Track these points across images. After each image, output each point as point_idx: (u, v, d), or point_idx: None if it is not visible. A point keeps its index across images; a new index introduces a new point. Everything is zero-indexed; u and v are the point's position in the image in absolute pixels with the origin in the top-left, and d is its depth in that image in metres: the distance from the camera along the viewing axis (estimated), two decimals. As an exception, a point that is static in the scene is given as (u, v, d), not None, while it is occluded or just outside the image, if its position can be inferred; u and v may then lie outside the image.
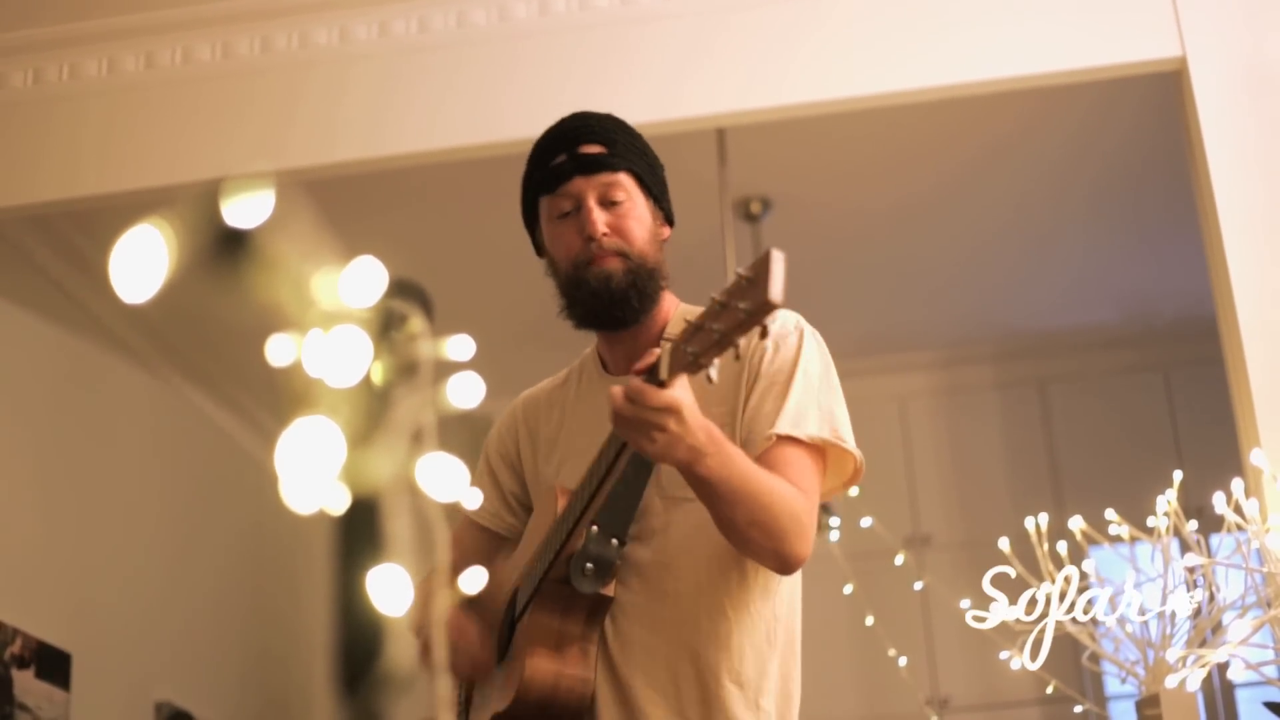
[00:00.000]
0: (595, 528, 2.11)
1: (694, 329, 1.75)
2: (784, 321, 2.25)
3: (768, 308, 1.66)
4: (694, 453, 1.92)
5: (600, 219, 2.26)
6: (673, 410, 1.85)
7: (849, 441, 2.19)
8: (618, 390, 1.87)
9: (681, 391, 1.85)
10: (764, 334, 1.70)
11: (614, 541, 2.13)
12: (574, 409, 2.40)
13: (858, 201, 5.43)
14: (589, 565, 2.12)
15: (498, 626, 2.34)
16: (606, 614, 2.18)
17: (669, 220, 2.38)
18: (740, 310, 1.68)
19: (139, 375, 5.80)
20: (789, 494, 2.07)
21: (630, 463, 2.03)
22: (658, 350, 1.84)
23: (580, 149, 2.31)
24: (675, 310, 2.35)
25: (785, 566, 2.12)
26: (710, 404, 2.11)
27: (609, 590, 2.15)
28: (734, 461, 1.98)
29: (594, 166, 2.29)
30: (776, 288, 1.65)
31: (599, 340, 2.40)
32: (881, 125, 4.88)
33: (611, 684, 2.18)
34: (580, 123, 2.35)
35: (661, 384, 1.82)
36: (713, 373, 1.76)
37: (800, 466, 2.14)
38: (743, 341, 1.72)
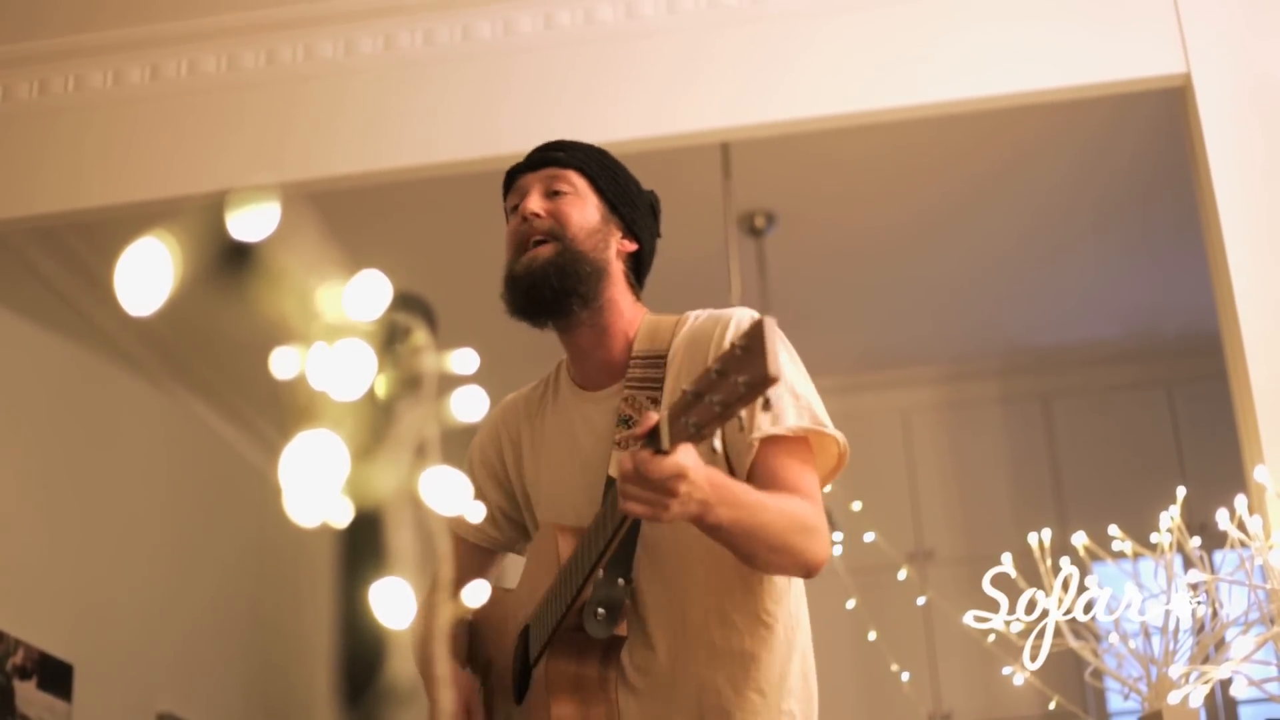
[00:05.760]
0: (601, 571, 2.10)
1: (692, 398, 1.73)
2: (739, 320, 2.24)
3: (767, 382, 1.65)
4: (703, 505, 1.91)
5: (537, 202, 2.32)
6: (680, 476, 1.83)
7: (829, 425, 2.18)
8: (625, 465, 1.84)
9: (685, 455, 1.83)
10: (766, 405, 1.68)
11: (620, 581, 2.13)
12: (550, 422, 2.40)
13: (863, 217, 5.43)
14: (600, 610, 2.12)
15: (508, 663, 2.34)
16: (621, 651, 2.19)
17: (635, 236, 2.38)
18: (739, 384, 1.67)
19: (143, 387, 5.80)
20: (797, 509, 2.07)
21: None
22: (655, 415, 1.82)
23: (538, 154, 2.41)
24: (641, 320, 2.35)
25: (809, 573, 2.13)
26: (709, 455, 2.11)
27: (621, 630, 2.15)
28: (740, 502, 1.97)
29: (541, 163, 2.37)
30: (774, 362, 1.64)
31: (565, 350, 2.40)
32: (886, 142, 4.88)
33: (638, 715, 2.19)
34: (550, 141, 2.44)
35: (664, 452, 1.80)
36: (716, 443, 1.75)
37: (794, 468, 2.14)
38: (744, 412, 1.70)
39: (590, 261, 2.29)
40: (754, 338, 1.66)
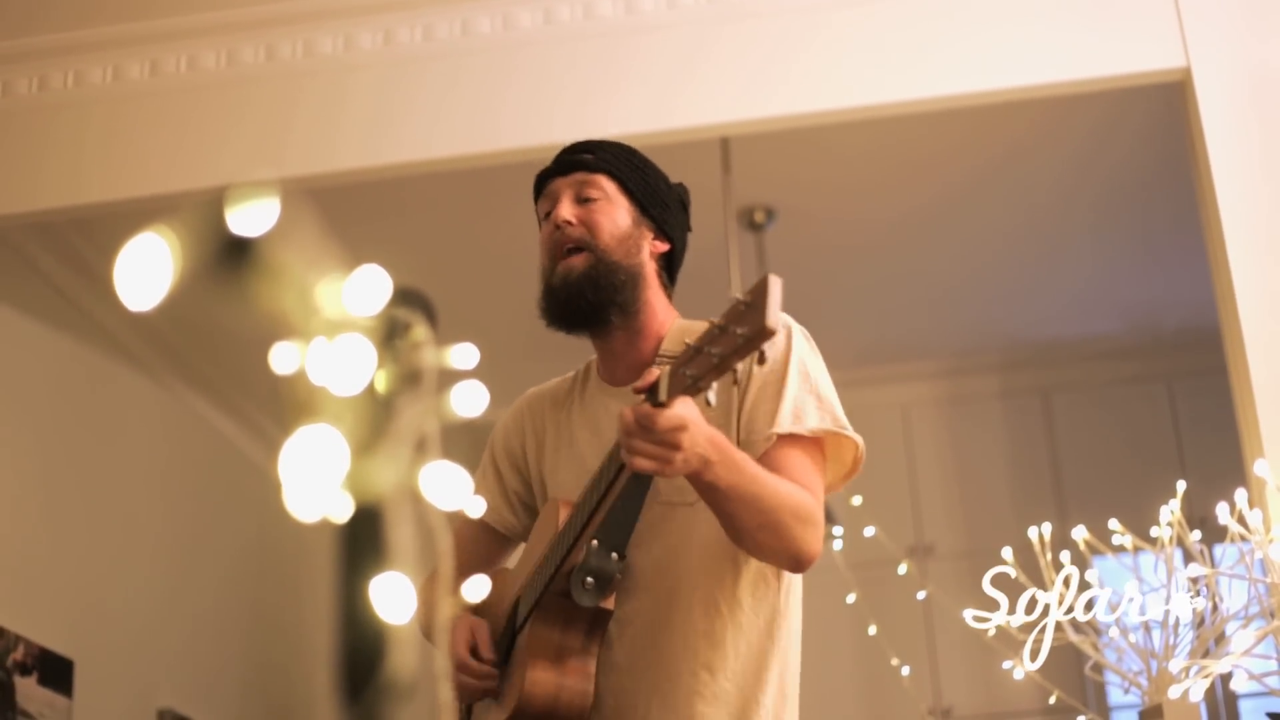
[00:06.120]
0: (595, 542, 2.12)
1: (693, 352, 1.76)
2: None
3: (765, 334, 1.67)
4: (703, 461, 1.94)
5: (569, 210, 2.33)
6: (681, 428, 1.86)
7: (849, 428, 2.21)
8: (627, 417, 1.87)
9: (685, 407, 1.86)
10: (761, 359, 1.71)
11: (614, 555, 2.14)
12: (578, 416, 2.42)
13: (862, 212, 5.43)
14: (589, 579, 2.12)
15: (500, 635, 2.35)
16: (607, 626, 2.20)
17: (667, 236, 2.40)
18: (738, 335, 1.70)
19: (143, 382, 5.80)
20: (795, 494, 2.10)
21: (630, 477, 2.03)
22: (656, 371, 1.85)
23: (567, 157, 2.42)
24: (673, 324, 2.37)
25: (798, 565, 2.16)
26: (703, 410, 2.13)
27: (609, 603, 2.16)
28: (740, 467, 2.01)
29: (571, 167, 2.38)
30: (774, 314, 1.66)
31: (596, 351, 2.43)
32: (887, 136, 4.88)
33: (614, 691, 2.19)
34: (579, 141, 2.45)
35: (662, 405, 1.84)
36: (711, 396, 1.77)
37: (803, 465, 2.17)
38: (741, 365, 1.73)
39: (624, 270, 2.31)
40: (757, 293, 1.69)
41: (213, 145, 4.41)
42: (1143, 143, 4.99)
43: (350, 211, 4.95)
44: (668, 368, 1.82)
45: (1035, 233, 5.60)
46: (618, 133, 4.11)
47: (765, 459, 2.15)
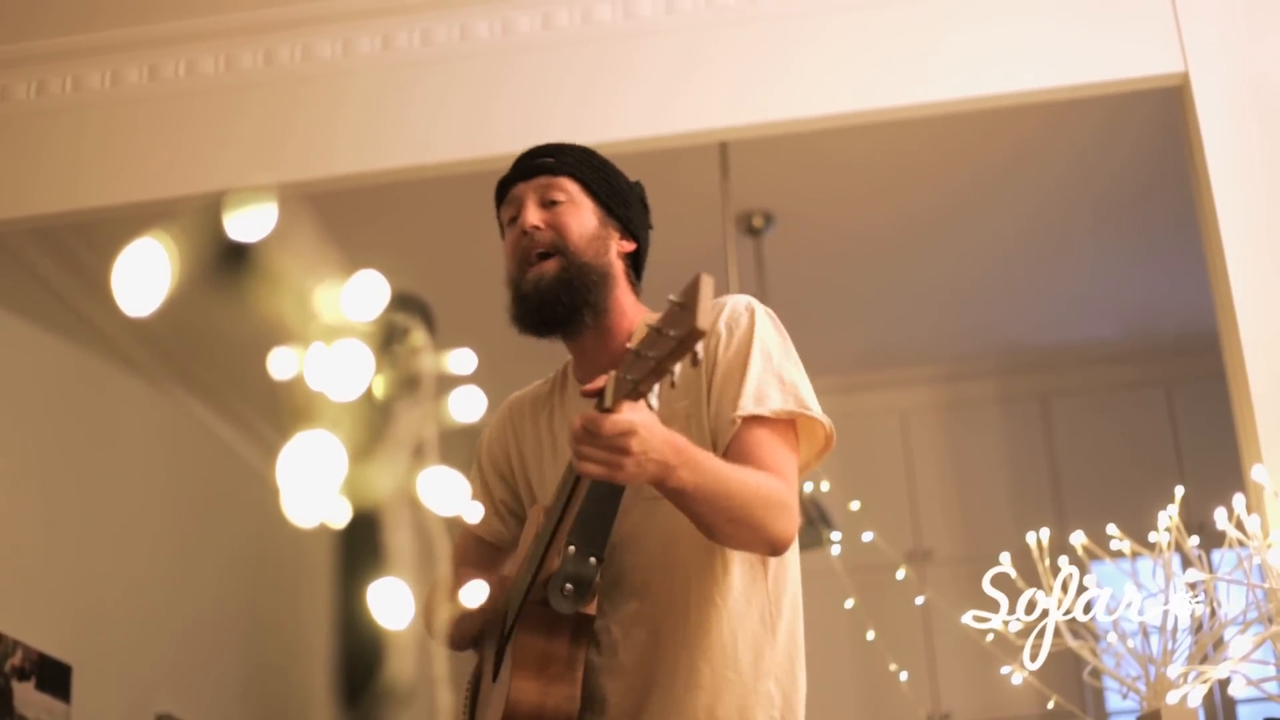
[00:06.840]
0: (572, 548, 2.11)
1: (634, 356, 1.76)
2: (734, 305, 2.27)
3: (695, 335, 1.67)
4: (663, 468, 1.93)
5: (535, 214, 2.33)
6: (629, 432, 1.86)
7: (815, 409, 2.21)
8: (575, 424, 1.88)
9: (635, 412, 1.85)
10: (694, 361, 1.70)
11: (592, 559, 2.12)
12: (559, 420, 2.42)
13: (861, 216, 5.43)
14: (567, 585, 2.10)
15: (495, 643, 2.35)
16: (591, 630, 2.18)
17: (633, 235, 2.40)
18: (671, 338, 1.69)
19: (141, 387, 5.80)
20: (763, 483, 2.09)
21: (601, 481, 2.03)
22: (604, 377, 1.86)
23: (528, 161, 2.42)
24: (639, 320, 2.36)
25: (774, 550, 2.15)
26: (674, 399, 2.16)
27: (590, 609, 2.13)
28: (703, 467, 2.00)
29: (533, 171, 2.38)
30: (704, 315, 1.65)
31: (570, 353, 2.43)
32: (885, 142, 4.88)
33: (620, 693, 2.19)
34: (537, 146, 2.44)
35: (608, 410, 1.84)
36: (653, 399, 1.77)
37: (770, 447, 2.16)
38: (678, 367, 1.73)
39: (595, 270, 2.31)
40: (689, 293, 1.69)
41: (211, 150, 4.41)
42: (1141, 147, 5.00)
43: (348, 216, 4.95)
44: (613, 373, 1.82)
45: (1034, 238, 5.60)
46: (616, 137, 4.12)
47: (734, 443, 2.15)
